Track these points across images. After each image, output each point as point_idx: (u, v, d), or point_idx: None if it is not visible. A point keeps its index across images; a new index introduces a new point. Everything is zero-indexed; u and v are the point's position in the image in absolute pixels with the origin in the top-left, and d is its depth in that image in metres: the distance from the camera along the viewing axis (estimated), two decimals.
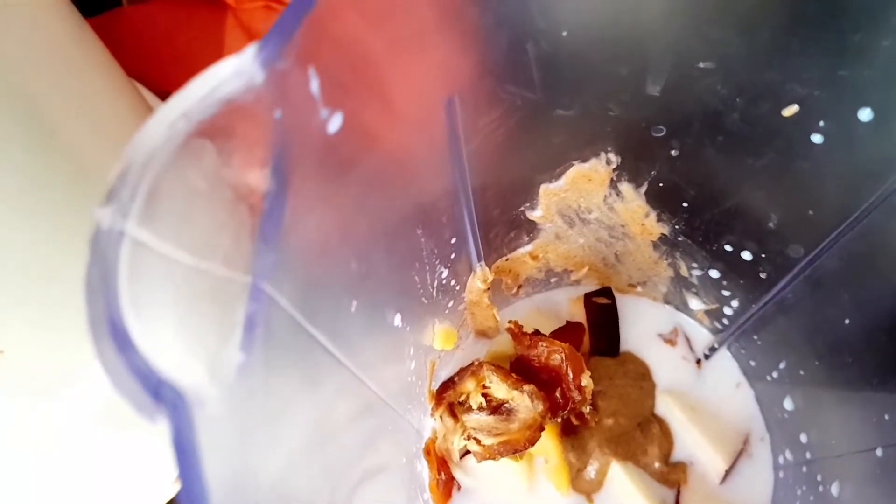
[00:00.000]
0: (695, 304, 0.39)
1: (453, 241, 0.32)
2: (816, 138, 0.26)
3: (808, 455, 0.35)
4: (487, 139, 0.28)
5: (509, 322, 0.37)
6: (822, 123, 0.26)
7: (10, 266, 0.27)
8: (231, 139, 0.17)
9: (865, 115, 0.24)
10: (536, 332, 0.37)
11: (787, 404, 0.36)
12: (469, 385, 0.37)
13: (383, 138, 0.24)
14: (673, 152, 0.30)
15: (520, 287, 0.40)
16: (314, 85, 0.18)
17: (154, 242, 0.16)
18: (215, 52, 0.50)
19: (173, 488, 0.43)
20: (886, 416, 0.29)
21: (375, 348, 0.29)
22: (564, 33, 0.24)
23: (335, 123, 0.20)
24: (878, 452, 0.29)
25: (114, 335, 0.14)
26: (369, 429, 0.29)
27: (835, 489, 0.32)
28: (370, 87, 0.22)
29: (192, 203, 0.17)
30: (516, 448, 0.35)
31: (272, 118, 0.17)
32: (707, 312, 0.39)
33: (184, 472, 0.13)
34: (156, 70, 0.48)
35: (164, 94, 0.48)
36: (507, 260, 0.37)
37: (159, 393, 0.14)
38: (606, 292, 0.41)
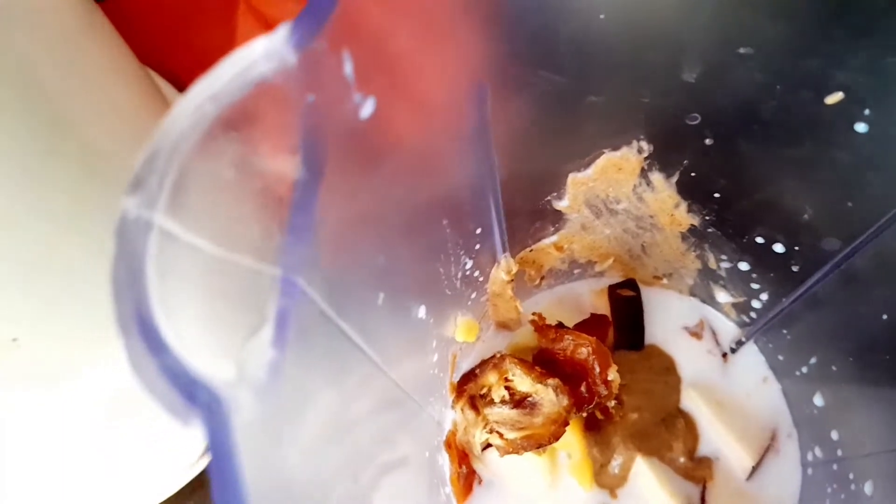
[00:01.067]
0: (722, 297, 0.38)
1: (478, 231, 0.31)
2: (861, 127, 0.25)
3: (839, 453, 0.34)
4: (516, 126, 0.27)
5: (533, 314, 0.37)
6: (867, 112, 0.25)
7: (21, 254, 0.26)
8: (260, 125, 0.17)
9: None
10: (560, 325, 0.37)
11: (818, 400, 0.35)
12: (491, 378, 0.36)
13: (412, 125, 0.23)
14: (707, 141, 0.29)
15: (542, 278, 0.39)
16: (348, 68, 0.17)
17: (182, 233, 0.15)
18: (228, 38, 0.49)
19: (184, 477, 0.42)
20: None
21: (400, 341, 0.28)
22: (602, 16, 0.23)
23: (367, 109, 0.19)
24: None
25: (144, 335, 0.13)
26: (391, 422, 0.28)
27: (868, 488, 0.31)
28: (399, 72, 0.22)
29: (220, 193, 0.17)
30: (540, 443, 0.34)
31: (304, 102, 0.17)
32: (734, 305, 0.38)
33: (219, 475, 0.12)
34: (168, 56, 0.48)
35: (176, 80, 0.47)
36: (531, 251, 0.36)
37: (193, 395, 0.13)
38: (631, 284, 0.40)
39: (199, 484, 0.44)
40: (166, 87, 0.47)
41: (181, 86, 0.47)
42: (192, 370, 0.13)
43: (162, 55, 0.48)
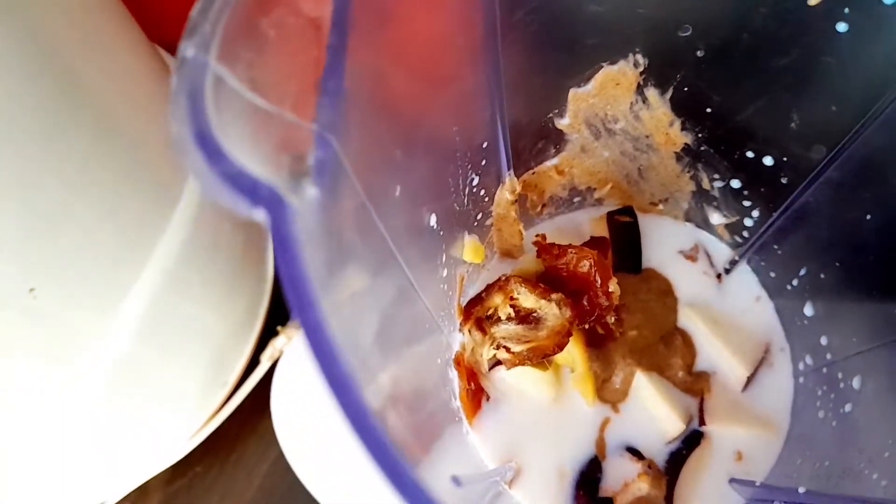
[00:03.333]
0: (716, 218, 0.40)
1: (485, 146, 0.33)
2: (841, 27, 0.27)
3: (828, 357, 0.36)
4: (522, 35, 0.29)
5: (536, 235, 0.38)
6: (846, 10, 0.27)
7: (38, 211, 0.28)
8: None
9: None
10: (561, 245, 0.38)
11: (808, 310, 0.37)
12: (497, 299, 0.38)
13: (425, 23, 0.24)
14: (698, 53, 0.31)
15: (544, 206, 0.41)
16: None
17: (232, 81, 0.17)
18: None
19: (185, 447, 0.44)
20: None
21: (414, 242, 0.30)
22: None
23: None
24: None
25: (203, 147, 0.15)
26: (412, 315, 0.30)
27: (856, 383, 0.33)
28: None
29: (264, 50, 0.18)
30: (545, 353, 0.36)
31: None
32: (727, 226, 0.40)
33: (284, 260, 0.14)
34: (175, 32, 0.49)
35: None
36: (533, 174, 0.38)
37: (255, 193, 0.15)
38: (628, 211, 0.42)
39: (208, 448, 0.45)
40: (171, 61, 0.48)
41: None
42: (252, 174, 0.15)
43: (169, 32, 0.49)
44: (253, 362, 0.45)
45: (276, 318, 0.46)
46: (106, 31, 0.33)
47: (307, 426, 0.42)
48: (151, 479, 0.44)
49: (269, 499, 0.47)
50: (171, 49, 0.48)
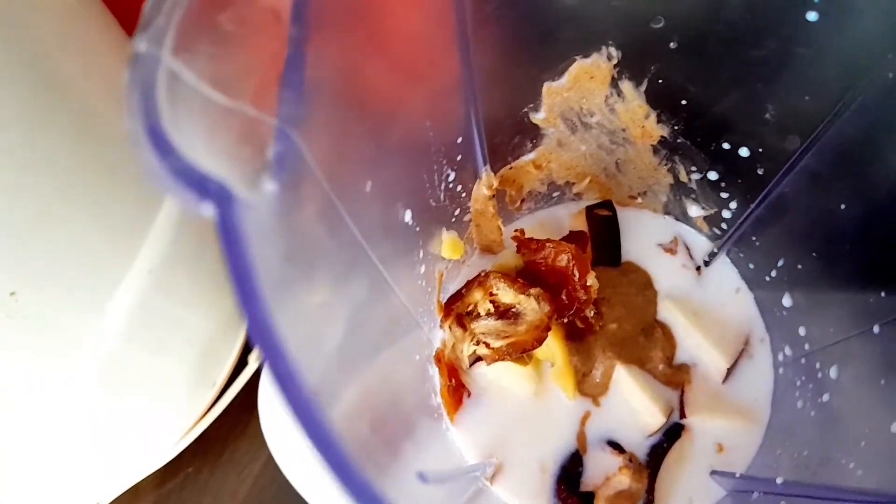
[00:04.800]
0: (694, 210, 0.40)
1: (459, 140, 0.33)
2: (811, 16, 0.27)
3: (806, 347, 0.36)
4: (494, 28, 0.28)
5: (515, 230, 0.38)
6: (816, 0, 0.27)
7: (20, 210, 0.27)
8: None
9: None
10: (539, 239, 0.38)
11: (786, 301, 0.37)
12: (476, 295, 0.38)
13: (394, 16, 0.24)
14: (672, 45, 0.31)
15: (523, 201, 0.41)
16: None
17: (188, 76, 0.17)
18: None
19: (176, 448, 0.44)
20: (882, 294, 0.30)
21: (388, 239, 0.30)
22: None
23: None
24: (876, 329, 0.30)
25: (154, 141, 0.15)
26: (387, 317, 0.30)
27: (833, 373, 0.33)
28: None
29: (222, 45, 0.18)
30: (525, 348, 0.36)
31: None
32: (706, 219, 0.40)
33: (230, 255, 0.14)
34: None
35: None
36: (510, 169, 0.38)
37: (204, 186, 0.14)
38: (607, 205, 0.42)
39: (199, 449, 0.45)
40: None
41: None
42: (200, 169, 0.15)
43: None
44: (241, 363, 0.45)
45: None
46: (87, 31, 0.32)
47: (294, 427, 0.42)
48: (143, 480, 0.44)
49: (261, 499, 0.47)
50: None
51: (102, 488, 0.43)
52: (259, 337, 0.13)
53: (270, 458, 0.41)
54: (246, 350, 0.45)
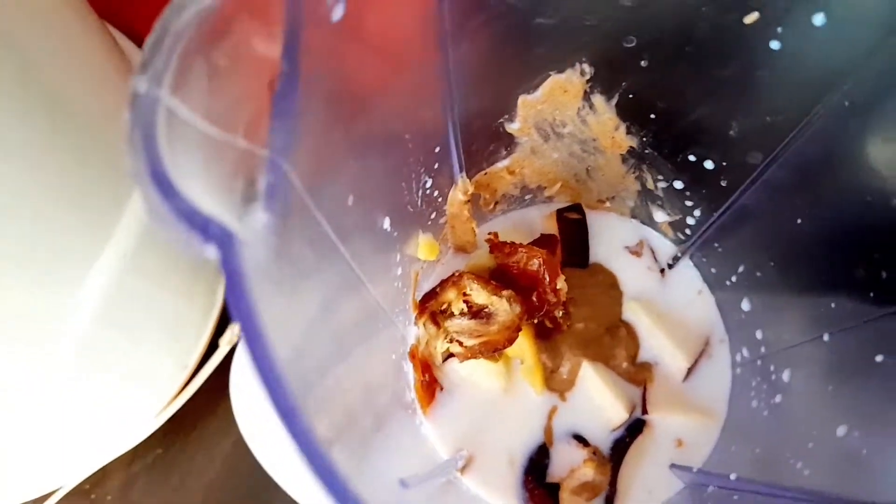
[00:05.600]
0: (660, 216, 0.42)
1: (437, 150, 0.34)
2: (774, 45, 0.28)
3: (762, 350, 0.38)
4: (473, 45, 0.29)
5: (489, 234, 0.40)
6: (779, 30, 0.28)
7: None
8: (250, 19, 0.19)
9: (819, 19, 0.27)
10: (512, 243, 0.40)
11: (745, 305, 0.39)
12: (450, 294, 0.39)
13: (377, 35, 0.25)
14: (643, 63, 0.32)
15: (496, 203, 0.42)
16: None
17: (184, 112, 0.18)
18: None
19: (146, 429, 0.45)
20: (833, 305, 0.32)
21: (369, 247, 0.31)
22: None
23: (338, 12, 0.21)
24: (825, 337, 0.32)
25: (158, 184, 0.16)
26: (365, 319, 0.31)
27: (786, 376, 0.35)
28: None
29: (216, 79, 0.19)
30: (496, 347, 0.38)
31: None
32: (671, 224, 0.42)
33: (234, 297, 0.15)
34: (124, 9, 0.49)
35: (131, 32, 0.48)
36: (485, 174, 0.39)
37: (207, 230, 0.15)
38: (577, 208, 0.43)
39: (169, 430, 0.46)
40: (122, 40, 0.48)
41: (138, 39, 0.48)
42: (203, 210, 0.16)
43: (117, 9, 0.48)
44: (212, 346, 0.46)
45: None
46: (61, 19, 0.32)
47: (264, 409, 0.43)
48: (112, 461, 0.45)
49: (231, 478, 0.48)
50: (123, 27, 0.48)
51: (71, 469, 0.44)
52: (262, 371, 0.14)
53: (240, 439, 0.42)
54: (217, 333, 0.46)
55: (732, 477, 0.34)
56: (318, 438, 0.15)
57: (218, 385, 0.44)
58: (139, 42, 0.46)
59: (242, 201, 0.19)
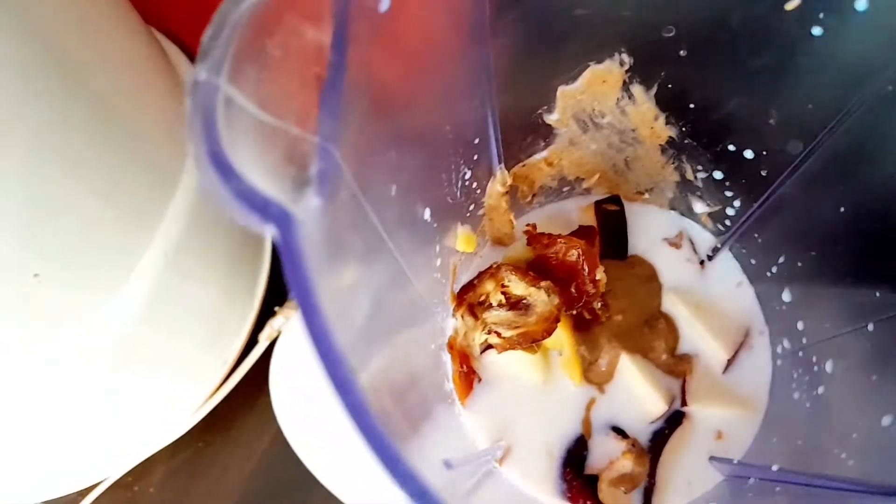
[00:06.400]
0: (699, 207, 0.41)
1: (476, 141, 0.34)
2: (816, 31, 0.28)
3: (804, 341, 0.38)
4: (511, 38, 0.30)
5: (527, 225, 0.40)
6: (821, 15, 0.28)
7: (40, 192, 0.29)
8: (301, 11, 0.20)
9: (861, 4, 0.27)
10: (550, 234, 0.40)
11: (786, 296, 0.39)
12: (488, 286, 0.40)
13: (419, 25, 0.26)
14: (682, 53, 0.32)
15: (534, 196, 0.42)
16: None
17: (240, 100, 0.18)
18: None
19: (187, 424, 0.45)
20: (877, 294, 0.32)
21: (409, 237, 0.31)
22: None
23: (385, 3, 0.22)
24: (870, 327, 0.32)
25: (219, 167, 0.16)
26: (407, 307, 0.31)
27: (829, 366, 0.35)
28: None
29: (269, 69, 0.20)
30: (534, 338, 0.38)
31: None
32: (710, 215, 0.42)
33: (294, 273, 0.15)
34: (168, 14, 0.50)
35: (176, 39, 0.49)
36: (523, 166, 0.39)
37: (266, 210, 0.16)
38: (615, 200, 0.44)
39: (209, 424, 0.47)
40: (168, 45, 0.49)
41: (181, 44, 0.49)
42: (262, 192, 0.16)
43: (164, 16, 0.50)
44: (251, 342, 0.46)
45: (274, 298, 0.48)
46: (102, 15, 0.33)
47: (304, 403, 0.44)
48: (154, 453, 0.46)
49: (269, 471, 0.48)
50: (168, 33, 0.49)
51: (115, 461, 0.45)
52: (318, 344, 0.15)
53: (278, 434, 0.43)
54: (257, 328, 0.47)
55: (774, 468, 0.34)
56: (372, 410, 0.15)
57: (257, 380, 0.45)
58: (184, 48, 0.47)
59: (295, 185, 0.19)
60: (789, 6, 0.28)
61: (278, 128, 0.20)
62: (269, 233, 0.16)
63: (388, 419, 0.20)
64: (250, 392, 0.48)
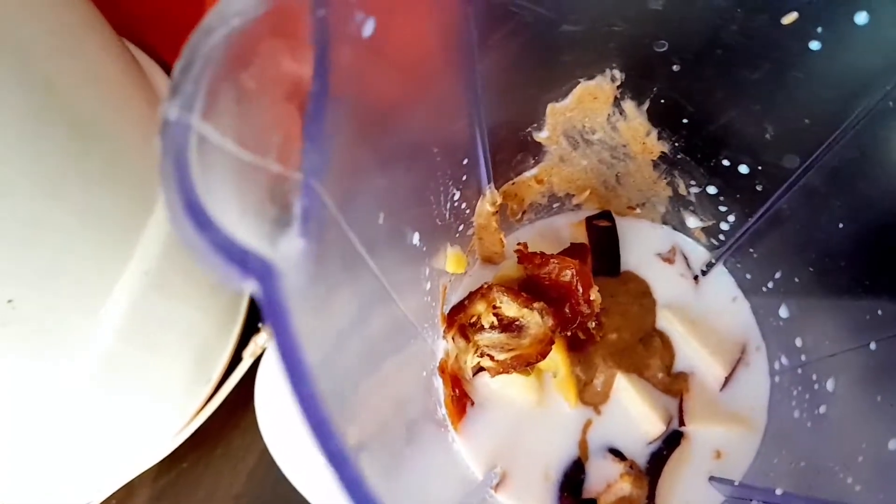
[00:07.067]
0: (692, 222, 0.41)
1: (465, 162, 0.33)
2: (814, 45, 0.27)
3: (802, 358, 0.37)
4: (499, 56, 0.29)
5: (518, 244, 0.39)
6: (819, 30, 0.27)
7: (15, 218, 0.28)
8: (279, 40, 0.18)
9: (861, 18, 0.26)
10: (542, 254, 0.39)
11: (783, 312, 0.38)
12: (479, 307, 0.39)
13: (407, 49, 0.25)
14: (674, 68, 0.31)
15: (524, 213, 0.41)
16: None
17: (215, 137, 0.17)
18: (199, 6, 0.50)
19: (171, 444, 0.44)
20: (879, 312, 0.31)
21: (398, 263, 0.30)
22: None
23: (369, 28, 0.21)
24: (872, 346, 0.31)
25: (193, 216, 0.15)
26: (395, 335, 0.30)
27: (830, 385, 0.34)
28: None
29: (245, 103, 0.18)
30: (528, 361, 0.37)
31: (316, 17, 0.18)
32: (704, 230, 0.41)
33: (279, 332, 0.14)
34: (142, 26, 0.48)
35: (151, 52, 0.48)
36: (513, 184, 0.38)
37: (245, 263, 0.15)
38: (606, 215, 0.43)
39: (194, 444, 0.45)
40: (142, 57, 0.48)
41: (157, 56, 0.48)
42: (240, 242, 0.15)
43: (136, 26, 0.48)
44: (236, 359, 0.45)
45: (257, 314, 0.47)
46: (74, 28, 0.32)
47: (290, 421, 0.43)
48: (138, 476, 0.44)
49: (256, 492, 0.47)
50: (143, 45, 0.48)
51: (98, 485, 0.43)
52: (295, 386, 0.14)
53: (265, 452, 0.41)
54: (240, 346, 0.46)
55: (778, 492, 0.33)
56: (347, 448, 0.14)
57: (242, 398, 0.44)
58: (160, 61, 0.46)
59: (276, 227, 0.18)
60: (787, 20, 0.27)
61: (258, 166, 0.18)
62: (249, 289, 0.15)
63: (368, 453, 0.19)
64: (236, 410, 0.47)
